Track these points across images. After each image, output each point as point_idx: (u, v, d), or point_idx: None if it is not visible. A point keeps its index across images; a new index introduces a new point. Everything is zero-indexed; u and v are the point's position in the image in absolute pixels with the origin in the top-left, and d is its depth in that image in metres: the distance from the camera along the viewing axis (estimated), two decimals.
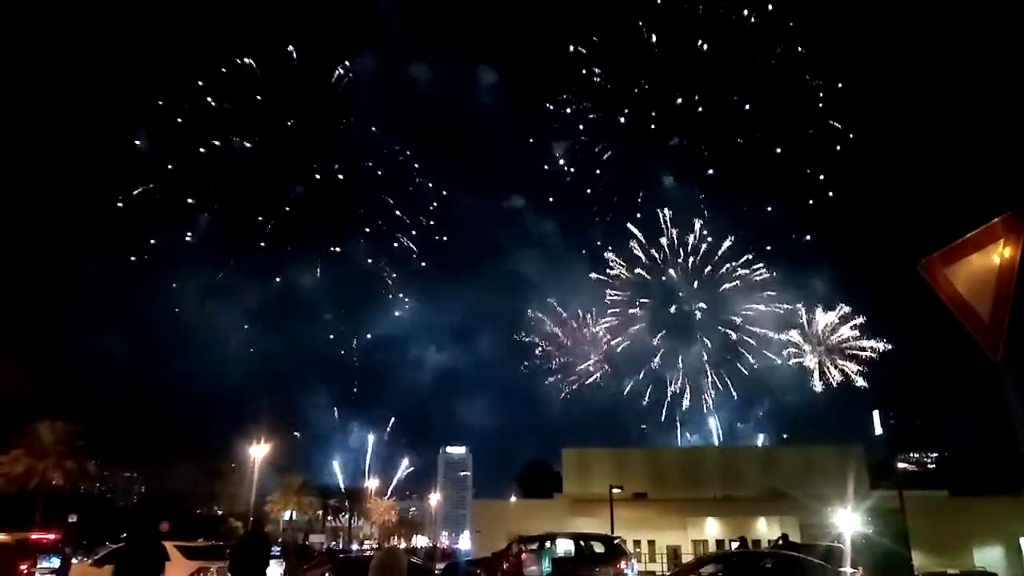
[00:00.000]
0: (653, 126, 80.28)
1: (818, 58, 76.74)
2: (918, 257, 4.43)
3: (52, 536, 20.27)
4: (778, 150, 77.48)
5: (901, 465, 54.50)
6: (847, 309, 69.79)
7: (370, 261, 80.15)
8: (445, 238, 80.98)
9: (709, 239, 76.50)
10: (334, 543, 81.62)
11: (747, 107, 78.43)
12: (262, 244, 72.89)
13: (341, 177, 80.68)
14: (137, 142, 76.77)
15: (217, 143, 76.57)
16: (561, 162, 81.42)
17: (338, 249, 78.26)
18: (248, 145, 74.66)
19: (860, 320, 69.13)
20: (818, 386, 68.47)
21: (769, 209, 76.76)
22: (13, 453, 49.82)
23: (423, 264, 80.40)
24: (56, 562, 17.47)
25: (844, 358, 68.39)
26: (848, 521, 32.95)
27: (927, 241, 4.33)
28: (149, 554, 3.82)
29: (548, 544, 21.56)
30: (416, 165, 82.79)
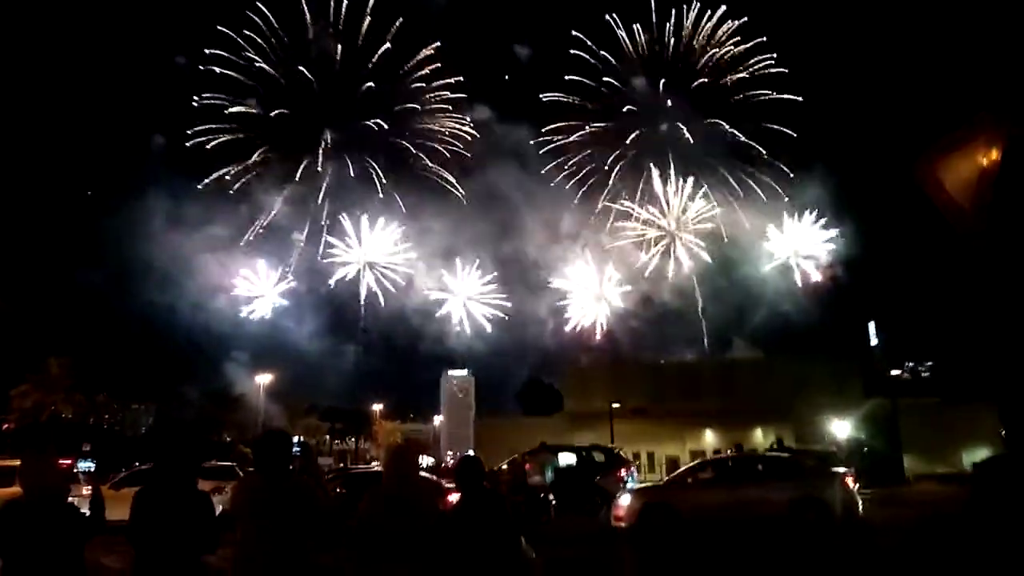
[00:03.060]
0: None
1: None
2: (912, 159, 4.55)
3: (68, 461, 21.13)
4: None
5: (895, 373, 55.43)
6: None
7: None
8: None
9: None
10: (341, 464, 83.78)
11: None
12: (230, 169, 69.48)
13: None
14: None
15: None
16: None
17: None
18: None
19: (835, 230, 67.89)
20: (800, 286, 68.16)
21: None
22: (23, 387, 50.82)
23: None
24: (92, 465, 18.40)
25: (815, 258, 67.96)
26: (842, 428, 33.93)
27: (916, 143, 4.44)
28: (183, 495, 3.90)
29: (551, 456, 22.29)
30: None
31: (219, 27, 66.20)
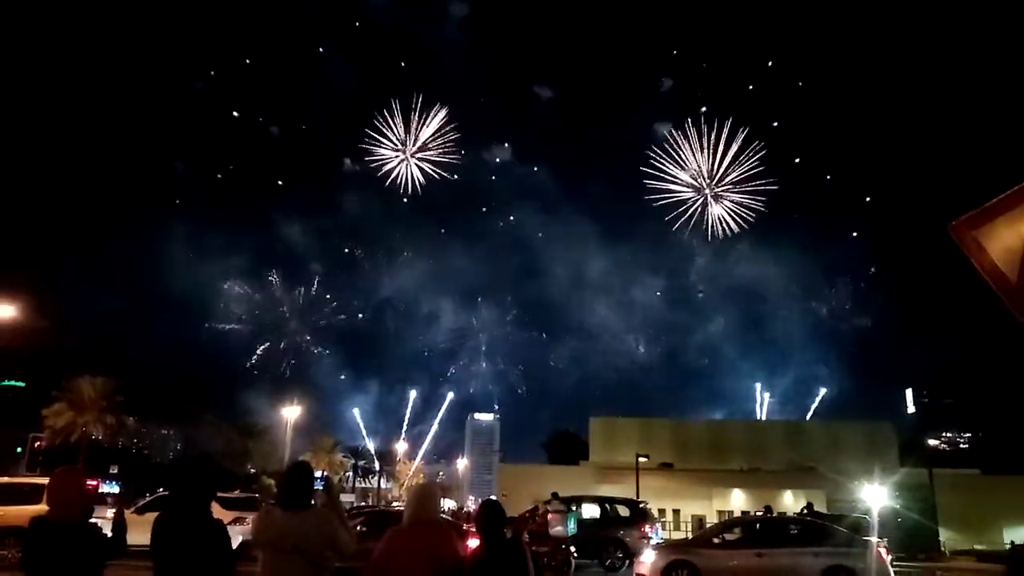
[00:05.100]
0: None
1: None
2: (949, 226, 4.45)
3: (94, 483, 21.47)
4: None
5: (932, 442, 53.89)
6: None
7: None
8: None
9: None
10: (363, 503, 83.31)
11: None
12: (255, 203, 71.21)
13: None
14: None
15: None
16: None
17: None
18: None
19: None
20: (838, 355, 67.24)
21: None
22: (56, 406, 51.48)
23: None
24: (116, 487, 18.69)
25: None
26: (876, 495, 32.87)
27: (959, 209, 4.34)
28: (197, 524, 3.95)
29: (574, 507, 21.88)
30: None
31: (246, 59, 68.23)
